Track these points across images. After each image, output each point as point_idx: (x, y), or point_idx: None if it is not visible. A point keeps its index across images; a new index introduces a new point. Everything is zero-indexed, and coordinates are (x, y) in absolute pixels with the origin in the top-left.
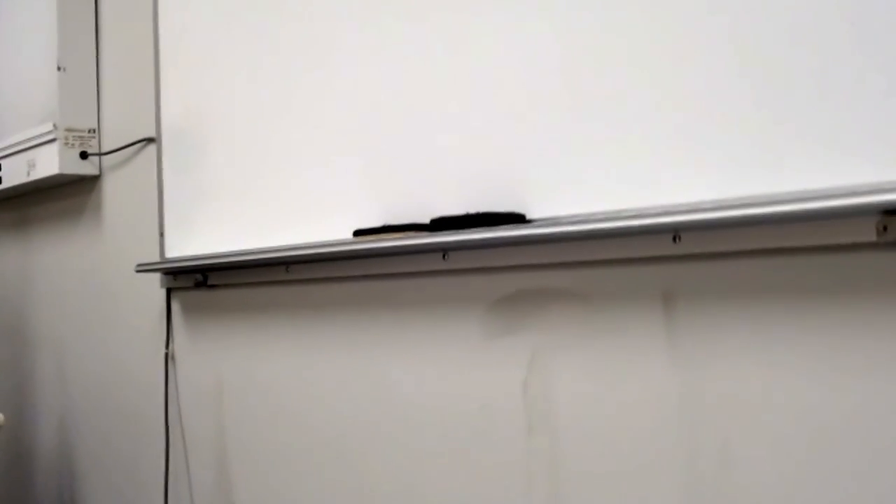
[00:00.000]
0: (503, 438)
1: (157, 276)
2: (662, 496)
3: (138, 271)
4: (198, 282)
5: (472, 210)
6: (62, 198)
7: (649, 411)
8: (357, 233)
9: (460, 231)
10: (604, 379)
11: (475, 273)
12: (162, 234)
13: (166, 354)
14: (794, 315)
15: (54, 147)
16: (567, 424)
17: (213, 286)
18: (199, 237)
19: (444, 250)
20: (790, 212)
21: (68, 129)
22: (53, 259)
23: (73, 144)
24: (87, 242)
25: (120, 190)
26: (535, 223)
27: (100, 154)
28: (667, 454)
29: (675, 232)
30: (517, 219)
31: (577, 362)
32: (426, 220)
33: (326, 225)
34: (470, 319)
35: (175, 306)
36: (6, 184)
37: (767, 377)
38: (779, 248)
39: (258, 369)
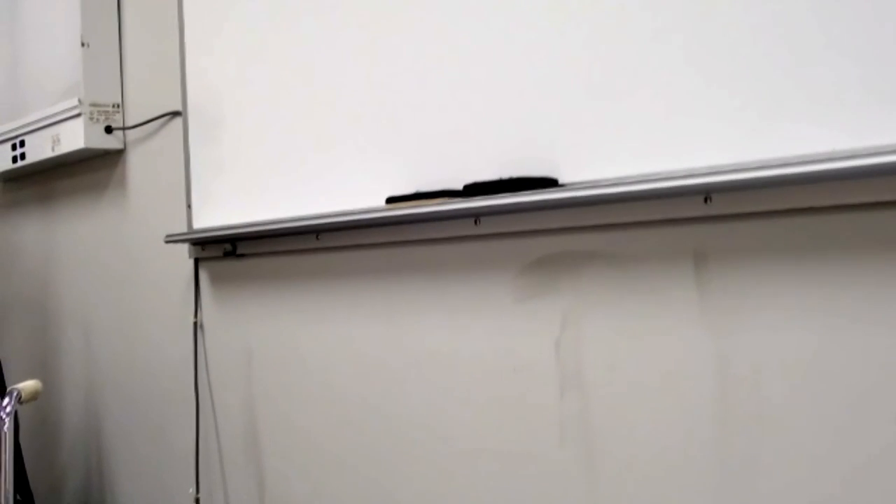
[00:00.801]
0: (536, 398)
1: (184, 248)
2: (695, 455)
3: (168, 242)
4: (227, 251)
5: (505, 176)
6: (86, 172)
7: (681, 370)
8: (389, 200)
9: (492, 196)
10: (636, 339)
11: (507, 237)
12: (189, 206)
13: (195, 323)
14: (824, 273)
15: (80, 122)
16: (599, 384)
17: (241, 255)
18: (226, 208)
19: (477, 215)
20: (820, 171)
21: (93, 104)
22: (79, 233)
23: (97, 119)
24: (112, 215)
25: (145, 163)
26: (567, 187)
27: (124, 128)
28: (698, 412)
29: (707, 193)
30: (549, 183)
31: (610, 323)
32: (459, 187)
33: (358, 193)
34: (502, 283)
35: (203, 276)
36: (31, 159)
37: (799, 335)
38: (809, 207)
39: (288, 337)
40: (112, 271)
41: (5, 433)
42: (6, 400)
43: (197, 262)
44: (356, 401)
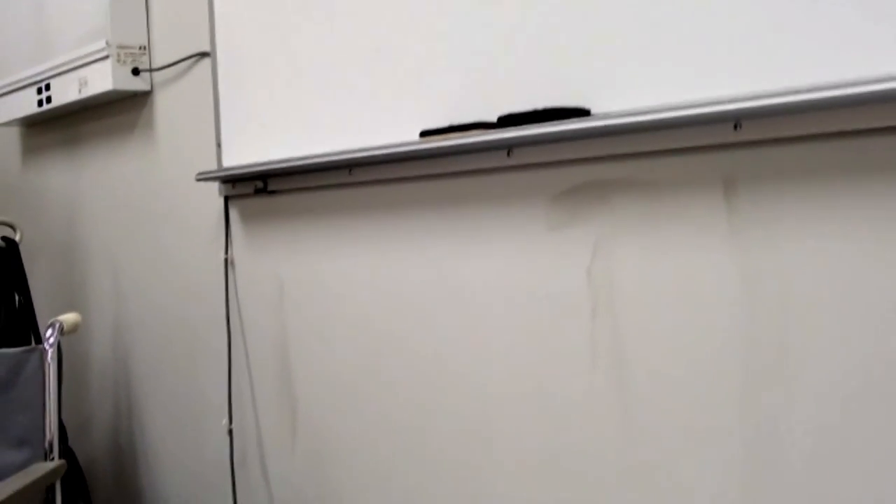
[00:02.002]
0: (568, 323)
1: (213, 187)
2: (722, 374)
3: (199, 180)
4: (258, 188)
5: (538, 107)
6: (113, 115)
7: (710, 294)
8: (424, 133)
9: (524, 126)
10: (666, 264)
11: (540, 168)
12: (219, 145)
13: (225, 259)
14: (853, 197)
15: (107, 64)
16: (630, 308)
17: (272, 192)
18: (256, 147)
19: (509, 147)
20: (850, 95)
21: (120, 47)
22: (106, 175)
23: (125, 61)
24: (140, 157)
25: (173, 105)
26: (598, 116)
27: (151, 70)
28: (727, 335)
29: (736, 120)
30: (581, 113)
31: (640, 249)
32: (493, 119)
33: (391, 127)
34: (535, 212)
35: (233, 214)
36: (56, 102)
37: (827, 259)
38: (839, 131)
39: (320, 271)
40: (140, 212)
41: (49, 363)
42: (49, 332)
43: (227, 200)
44: (389, 332)
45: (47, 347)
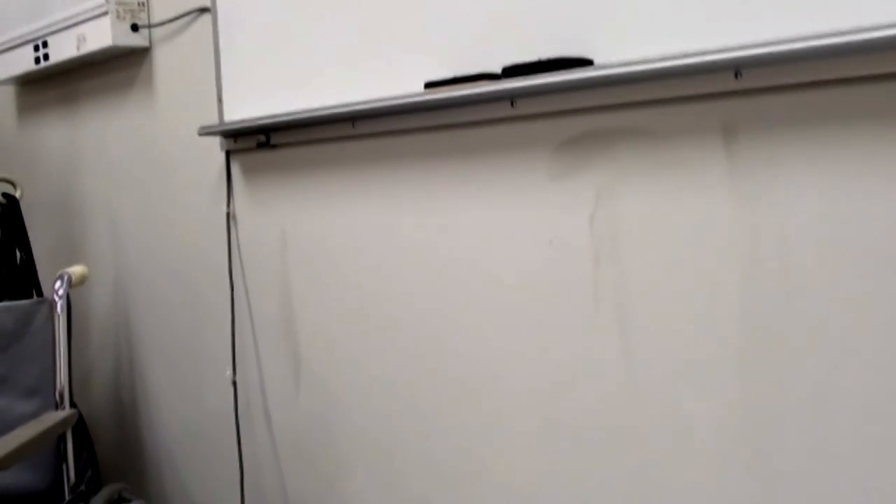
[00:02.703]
0: (572, 270)
1: (214, 142)
2: (723, 320)
3: (202, 134)
4: (260, 142)
5: (542, 58)
6: (111, 72)
7: (711, 239)
8: (428, 85)
9: (527, 77)
10: (667, 211)
11: (543, 118)
12: (220, 100)
13: (227, 214)
14: (851, 143)
15: (106, 20)
16: (632, 255)
17: (275, 146)
18: (257, 102)
19: (513, 97)
20: (848, 42)
21: (119, 2)
22: (105, 131)
23: (123, 17)
24: (139, 114)
25: (172, 61)
26: (600, 66)
27: (150, 26)
28: (728, 281)
29: (737, 68)
30: (584, 63)
31: (642, 197)
32: (497, 70)
33: (396, 79)
34: (538, 162)
35: (235, 169)
36: (54, 59)
37: (826, 205)
38: (837, 78)
39: (324, 224)
40: (141, 168)
41: (59, 315)
42: (58, 283)
43: (228, 154)
44: (392, 284)
45: (57, 299)
